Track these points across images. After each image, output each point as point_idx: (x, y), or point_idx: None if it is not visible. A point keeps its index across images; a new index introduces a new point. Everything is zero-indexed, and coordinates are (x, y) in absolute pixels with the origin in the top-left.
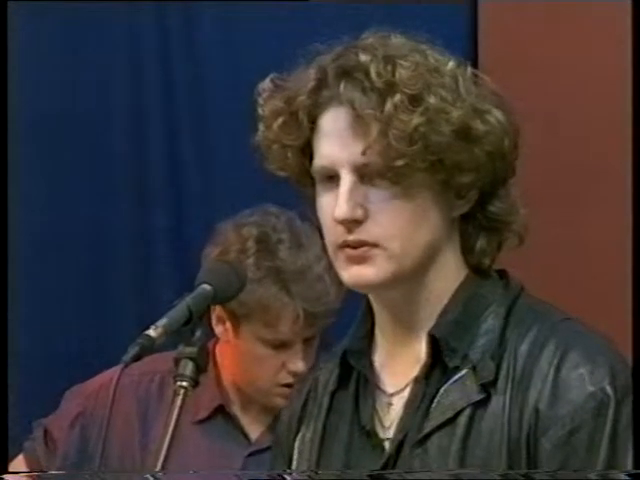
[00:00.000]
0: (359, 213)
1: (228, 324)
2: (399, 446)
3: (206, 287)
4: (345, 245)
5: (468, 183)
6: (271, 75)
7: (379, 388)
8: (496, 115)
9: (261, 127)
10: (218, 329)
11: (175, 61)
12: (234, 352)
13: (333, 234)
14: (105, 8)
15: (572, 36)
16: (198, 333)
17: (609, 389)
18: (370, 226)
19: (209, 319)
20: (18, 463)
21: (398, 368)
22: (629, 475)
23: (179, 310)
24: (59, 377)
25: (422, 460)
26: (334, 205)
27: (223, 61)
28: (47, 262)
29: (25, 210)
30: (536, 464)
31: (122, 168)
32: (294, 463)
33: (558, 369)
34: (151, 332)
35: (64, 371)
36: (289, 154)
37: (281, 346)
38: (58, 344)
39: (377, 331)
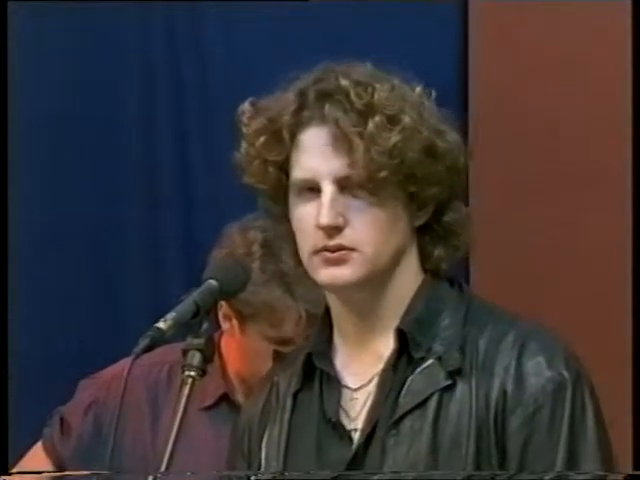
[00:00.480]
0: (340, 220)
1: (234, 322)
2: (371, 432)
3: (212, 282)
4: (323, 249)
5: (432, 195)
6: (249, 99)
7: (342, 385)
8: (452, 135)
9: (244, 144)
10: (225, 325)
11: (183, 63)
12: (239, 347)
13: (313, 239)
14: (115, 8)
15: (570, 35)
16: (205, 326)
17: (565, 373)
18: (348, 232)
19: (216, 315)
20: (37, 450)
21: (359, 368)
22: (629, 475)
23: (187, 304)
24: (63, 377)
25: (396, 440)
26: (314, 213)
27: (229, 62)
28: (60, 264)
29: (32, 211)
30: (504, 440)
31: (130, 168)
32: (263, 463)
33: (519, 358)
34: (161, 325)
35: (70, 371)
36: (270, 169)
37: (283, 343)
38: (69, 344)
39: (336, 336)
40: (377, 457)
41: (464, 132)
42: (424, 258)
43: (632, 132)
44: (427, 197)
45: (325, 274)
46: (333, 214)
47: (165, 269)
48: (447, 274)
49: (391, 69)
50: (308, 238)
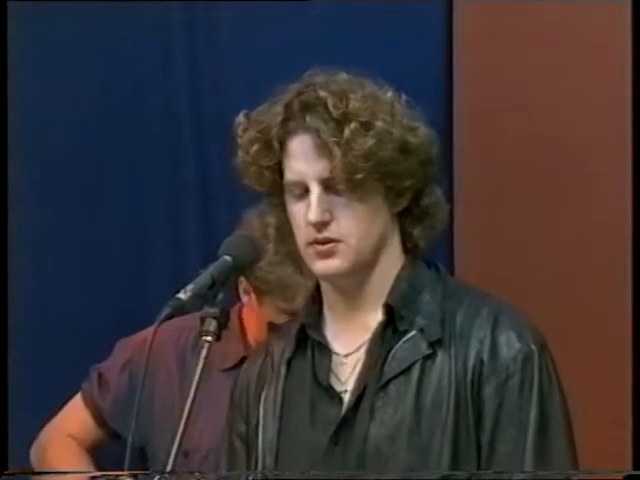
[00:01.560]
0: (326, 216)
1: (253, 296)
2: (360, 394)
3: (227, 258)
4: (315, 242)
5: (408, 186)
6: (243, 111)
7: (333, 352)
8: (424, 130)
9: (240, 153)
10: (244, 298)
11: (200, 62)
12: (257, 317)
13: (305, 233)
14: (136, 7)
15: (559, 33)
16: (220, 297)
17: (532, 345)
18: (334, 226)
19: (237, 290)
20: (76, 402)
21: (348, 337)
22: (629, 475)
23: (204, 277)
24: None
25: (383, 402)
26: (305, 211)
27: (243, 62)
28: (86, 244)
29: (54, 209)
30: (479, 403)
31: (151, 163)
32: (261, 422)
33: (493, 330)
34: (181, 295)
35: (109, 337)
36: (265, 172)
37: (294, 314)
38: (104, 315)
39: (326, 310)
40: (366, 417)
41: (449, 128)
42: (405, 238)
43: (632, 132)
44: (403, 188)
45: (318, 266)
46: (320, 211)
47: (185, 247)
48: (425, 257)
49: (367, 74)
50: (301, 232)
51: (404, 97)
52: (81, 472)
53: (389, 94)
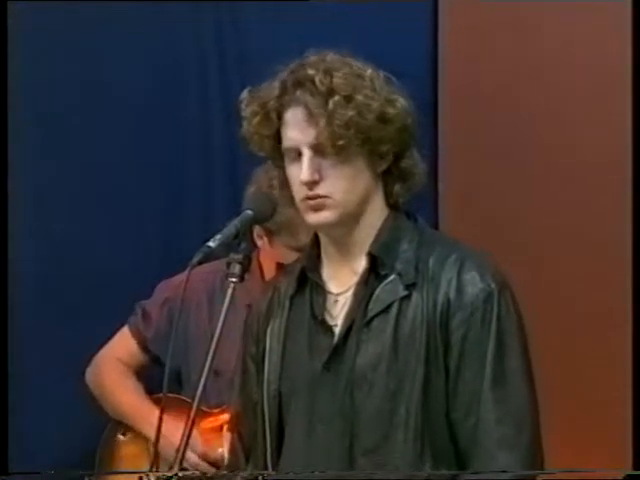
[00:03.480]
0: (316, 176)
1: (265, 238)
2: (348, 328)
3: (248, 212)
4: (307, 198)
5: (386, 150)
6: (247, 88)
7: (327, 291)
8: (401, 101)
9: (245, 124)
10: (259, 242)
11: (229, 57)
12: (271, 256)
13: (299, 191)
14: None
15: (564, 34)
16: (243, 245)
17: (493, 285)
18: (323, 185)
19: (252, 238)
20: (124, 333)
21: (340, 279)
22: (629, 475)
23: (230, 228)
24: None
25: (367, 336)
26: (299, 172)
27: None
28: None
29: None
30: (447, 335)
31: (186, 142)
32: (267, 348)
33: (459, 273)
34: (211, 243)
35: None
36: (265, 140)
37: (300, 250)
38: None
39: (323, 255)
40: (353, 348)
41: (434, 113)
42: (387, 195)
43: (632, 132)
44: (383, 152)
45: (311, 218)
46: (310, 172)
47: (214, 202)
48: (406, 209)
49: (354, 56)
50: (297, 189)
51: (382, 73)
52: (83, 473)
53: (369, 71)
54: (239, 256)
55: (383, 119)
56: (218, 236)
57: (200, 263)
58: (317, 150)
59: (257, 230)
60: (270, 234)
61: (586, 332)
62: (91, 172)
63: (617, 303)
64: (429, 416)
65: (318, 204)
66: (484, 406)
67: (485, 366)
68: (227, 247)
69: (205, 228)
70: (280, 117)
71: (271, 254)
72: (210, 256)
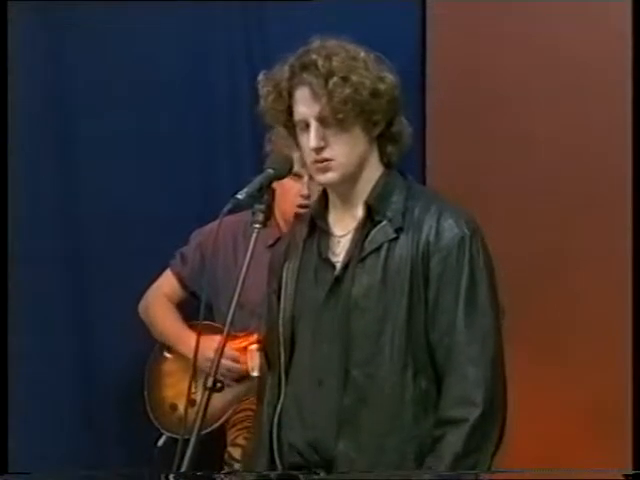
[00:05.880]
0: (322, 143)
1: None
2: (347, 264)
3: (270, 170)
4: (315, 161)
5: (379, 119)
6: (263, 71)
7: (332, 234)
8: (389, 77)
9: (261, 101)
10: (278, 190)
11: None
12: (287, 207)
13: (309, 156)
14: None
15: (564, 33)
16: (265, 197)
17: (466, 230)
18: (328, 150)
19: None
20: (167, 274)
21: (342, 224)
22: (629, 475)
23: (255, 183)
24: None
25: (361, 270)
26: (308, 140)
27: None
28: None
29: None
30: (427, 271)
31: (216, 132)
32: (284, 282)
33: (438, 220)
34: (239, 196)
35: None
36: (279, 114)
37: (308, 198)
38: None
39: (330, 205)
40: (350, 281)
41: (422, 100)
42: (382, 155)
43: (632, 132)
44: (376, 120)
45: (319, 177)
46: (317, 140)
47: (242, 161)
48: (399, 168)
49: (351, 41)
50: (307, 154)
51: (373, 54)
52: (82, 473)
53: (362, 54)
54: (262, 206)
55: (375, 94)
56: (245, 189)
57: (230, 212)
58: (322, 122)
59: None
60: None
61: (586, 332)
62: (137, 133)
63: (617, 302)
64: (411, 337)
65: (325, 167)
66: (456, 330)
67: (458, 297)
68: (252, 198)
69: (233, 183)
70: (291, 95)
71: (286, 197)
72: (238, 207)
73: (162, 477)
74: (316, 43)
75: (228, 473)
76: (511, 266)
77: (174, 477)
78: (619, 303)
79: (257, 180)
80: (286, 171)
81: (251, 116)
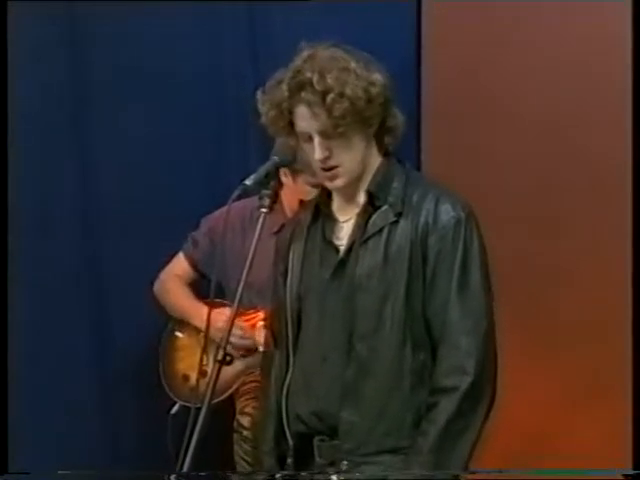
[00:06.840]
0: (326, 153)
1: (289, 176)
2: (350, 247)
3: (275, 158)
4: (323, 169)
5: (375, 120)
6: (260, 88)
7: (336, 219)
8: (379, 79)
9: (263, 117)
10: (284, 179)
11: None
12: (293, 191)
13: (316, 164)
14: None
15: (563, 33)
16: (272, 183)
17: (461, 213)
18: (333, 159)
19: (278, 177)
20: (180, 256)
21: (346, 209)
22: (629, 475)
23: (261, 170)
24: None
25: (364, 252)
26: (312, 150)
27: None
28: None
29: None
30: (426, 251)
31: (227, 127)
32: (290, 265)
33: (436, 205)
34: (247, 182)
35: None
36: (281, 129)
37: (318, 186)
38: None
39: (333, 193)
40: (353, 262)
41: (417, 100)
42: (379, 146)
43: (632, 132)
44: (372, 121)
45: (328, 184)
46: (321, 151)
47: (250, 151)
48: (397, 157)
49: (343, 44)
50: (314, 162)
51: (362, 59)
52: (83, 473)
53: (352, 63)
54: (268, 192)
55: (369, 100)
56: (252, 176)
57: (238, 198)
58: (323, 135)
59: (284, 170)
60: (295, 172)
61: (585, 335)
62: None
63: (617, 302)
64: (410, 313)
65: (333, 174)
66: (451, 305)
67: (453, 275)
68: (259, 185)
69: (242, 171)
70: (291, 112)
71: (293, 189)
72: (246, 193)
73: (164, 477)
74: (305, 53)
75: (232, 473)
76: (506, 253)
77: (176, 477)
78: (617, 285)
79: (264, 167)
80: (290, 159)
81: (257, 113)
